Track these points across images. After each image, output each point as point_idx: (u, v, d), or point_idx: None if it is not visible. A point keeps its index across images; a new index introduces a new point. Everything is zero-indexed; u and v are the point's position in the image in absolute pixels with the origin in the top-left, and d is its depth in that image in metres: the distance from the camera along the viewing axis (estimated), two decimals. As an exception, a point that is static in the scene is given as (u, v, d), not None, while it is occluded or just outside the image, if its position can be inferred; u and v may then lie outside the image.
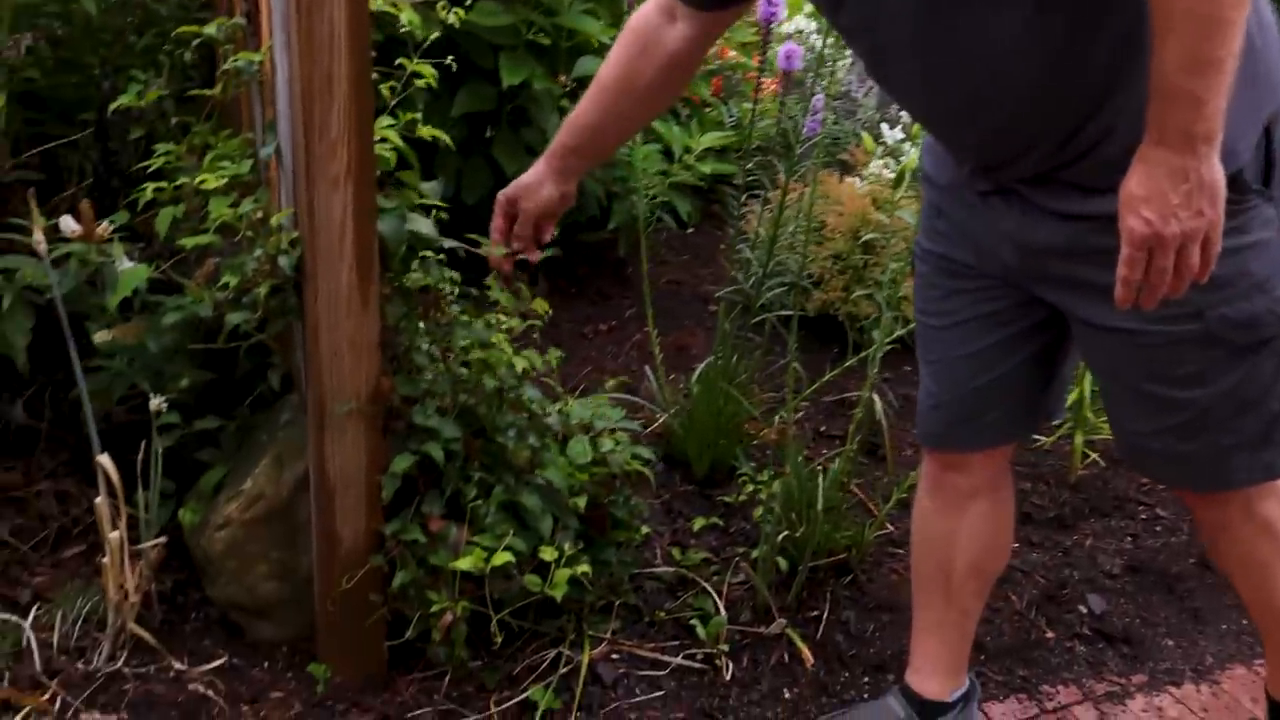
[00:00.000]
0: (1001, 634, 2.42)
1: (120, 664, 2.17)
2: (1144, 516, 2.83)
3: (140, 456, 2.14)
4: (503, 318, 2.61)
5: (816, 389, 2.93)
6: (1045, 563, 2.64)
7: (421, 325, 2.11)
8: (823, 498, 2.39)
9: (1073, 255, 1.60)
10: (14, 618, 2.22)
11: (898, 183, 2.55)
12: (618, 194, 3.59)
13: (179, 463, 2.35)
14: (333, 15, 1.76)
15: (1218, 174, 1.35)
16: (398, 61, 2.18)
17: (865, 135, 2.65)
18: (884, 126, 3.93)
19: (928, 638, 2.07)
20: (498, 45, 3.34)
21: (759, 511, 2.42)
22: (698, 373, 2.76)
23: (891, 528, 2.66)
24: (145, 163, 2.36)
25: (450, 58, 2.24)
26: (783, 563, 2.37)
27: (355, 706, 2.10)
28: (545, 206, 2.01)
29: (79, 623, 2.22)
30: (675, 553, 2.53)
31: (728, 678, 2.25)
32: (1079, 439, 2.84)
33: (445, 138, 2.25)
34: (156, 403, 2.05)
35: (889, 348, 2.65)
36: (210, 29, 2.26)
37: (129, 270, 2.20)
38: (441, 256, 2.18)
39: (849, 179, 3.60)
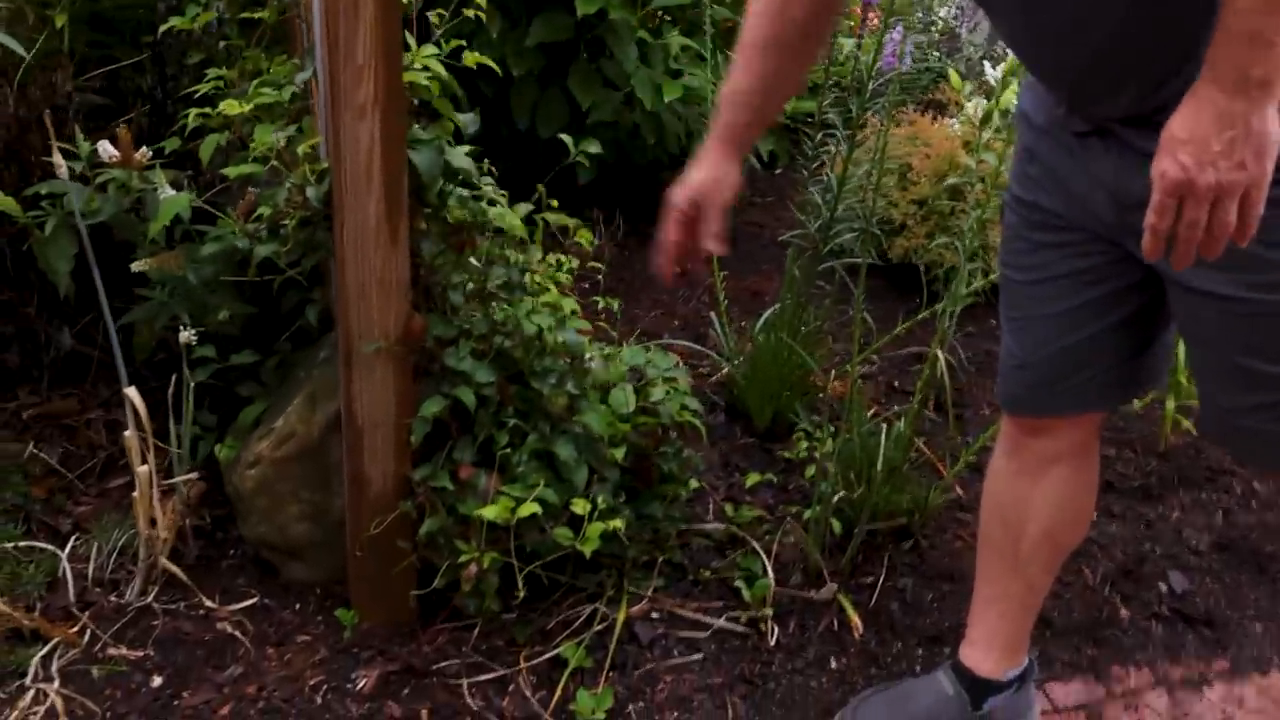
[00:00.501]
0: (1071, 610, 2.26)
1: (151, 599, 2.14)
2: (1238, 490, 2.63)
3: (171, 390, 2.10)
4: (563, 258, 2.52)
5: (891, 340, 2.77)
6: (1125, 535, 2.47)
7: (458, 262, 2.01)
8: (884, 458, 2.25)
9: None
10: (52, 547, 2.21)
11: (985, 122, 2.37)
12: (698, 131, 3.43)
13: (225, 397, 2.31)
14: (356, -70, 1.65)
15: (1271, 126, 1.18)
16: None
17: (953, 73, 2.46)
18: (986, 64, 3.71)
19: (988, 610, 1.93)
20: (574, -29, 3.22)
21: (810, 470, 2.29)
22: (761, 320, 2.62)
23: (960, 492, 2.51)
24: (195, 87, 2.30)
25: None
26: (837, 525, 2.24)
27: (381, 654, 2.04)
28: (732, 193, 1.73)
29: (114, 555, 2.21)
30: (728, 509, 2.42)
31: (771, 643, 2.14)
32: (1170, 405, 2.63)
33: (493, 64, 2.13)
34: (186, 335, 2.00)
35: (969, 301, 2.49)
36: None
37: (170, 199, 2.14)
38: (481, 191, 2.08)
39: (944, 119, 3.40)
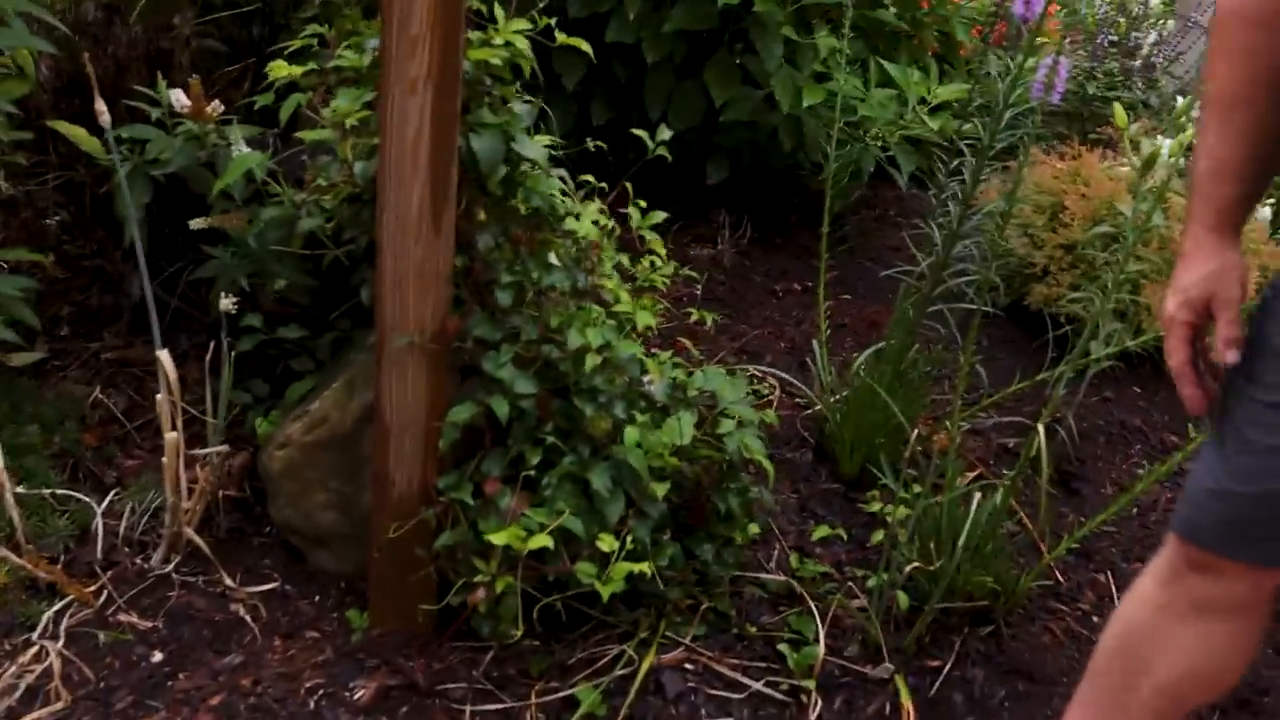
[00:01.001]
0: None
1: (171, 568, 2.07)
2: None
3: (209, 357, 2.01)
4: (657, 261, 2.35)
5: (1014, 395, 2.49)
6: None
7: (516, 260, 1.85)
8: (969, 530, 2.01)
9: None
10: (89, 499, 2.16)
11: (1145, 168, 2.09)
12: (841, 140, 3.20)
13: (284, 367, 2.23)
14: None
15: None
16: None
17: (1117, 108, 2.18)
18: (1178, 100, 3.35)
19: None
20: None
21: (877, 535, 2.06)
22: (860, 359, 2.39)
23: (1060, 578, 2.24)
24: (287, 42, 2.21)
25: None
26: (903, 598, 2.00)
27: (385, 665, 1.91)
28: (1243, 284, 1.41)
29: (146, 517, 2.14)
30: (793, 560, 2.21)
31: (812, 717, 1.92)
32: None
33: (584, 45, 1.97)
34: (225, 303, 1.90)
35: (1107, 364, 2.22)
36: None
37: (241, 156, 2.05)
38: (553, 183, 1.92)
39: (1116, 157, 3.08)
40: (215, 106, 2.02)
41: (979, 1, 3.56)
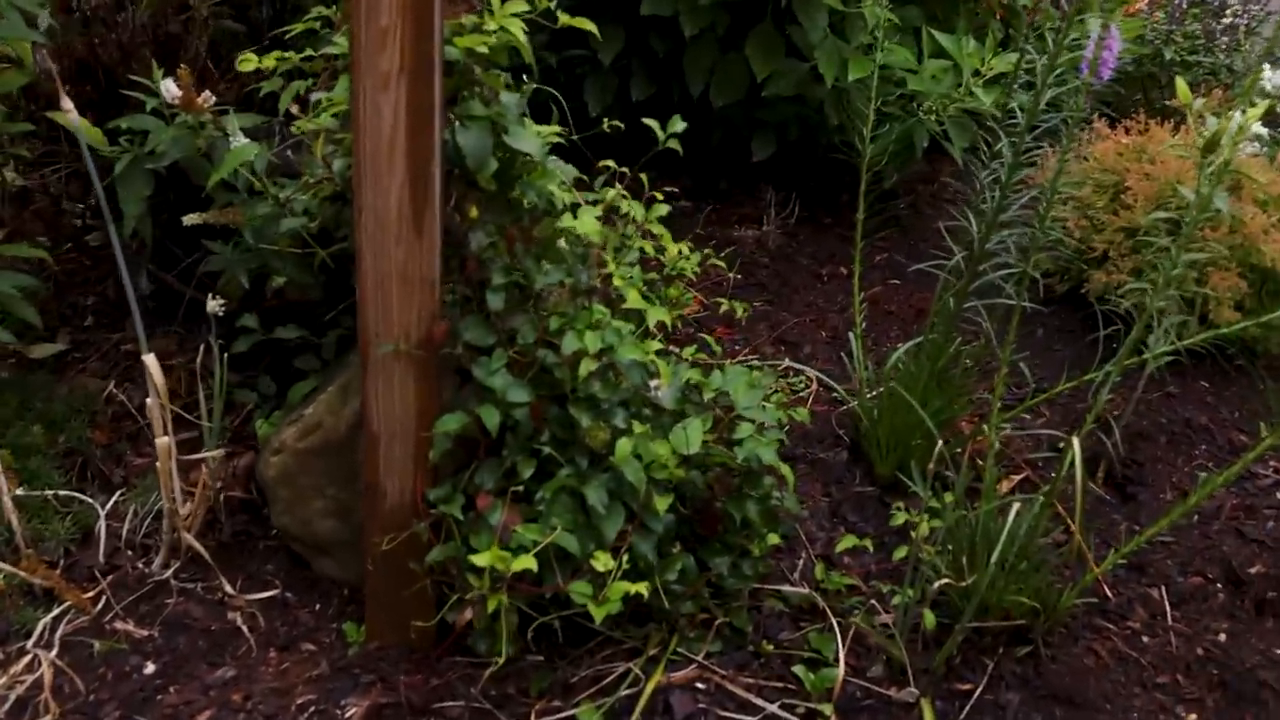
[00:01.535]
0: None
1: (170, 574, 2.02)
2: None
3: (206, 357, 1.94)
4: (684, 248, 2.23)
5: (1058, 393, 2.33)
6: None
7: (511, 259, 1.75)
8: (1004, 543, 1.86)
9: None
10: (92, 501, 2.11)
11: (1207, 149, 1.90)
12: (892, 114, 3.03)
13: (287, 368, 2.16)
14: None
15: None
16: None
17: (1180, 81, 1.99)
18: (1265, 68, 3.12)
19: None
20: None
21: (901, 551, 1.92)
22: (894, 355, 2.25)
23: (1109, 594, 2.08)
24: (286, 27, 2.12)
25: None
26: (929, 617, 1.87)
27: (381, 681, 1.84)
28: None
29: (148, 520, 2.09)
30: (818, 570, 2.08)
31: (829, 744, 1.81)
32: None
33: (590, 26, 1.84)
34: (213, 305, 1.83)
35: (1169, 359, 2.05)
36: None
37: (237, 148, 1.97)
38: (554, 175, 1.81)
39: (1186, 131, 2.86)
40: (206, 97, 1.94)
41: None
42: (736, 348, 2.63)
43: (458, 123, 1.64)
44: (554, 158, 1.97)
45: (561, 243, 1.79)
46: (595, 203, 1.98)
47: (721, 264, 2.33)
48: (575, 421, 1.73)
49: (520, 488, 1.70)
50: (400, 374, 1.69)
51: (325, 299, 2.06)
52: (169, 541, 2.01)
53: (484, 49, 1.66)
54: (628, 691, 1.82)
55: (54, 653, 1.87)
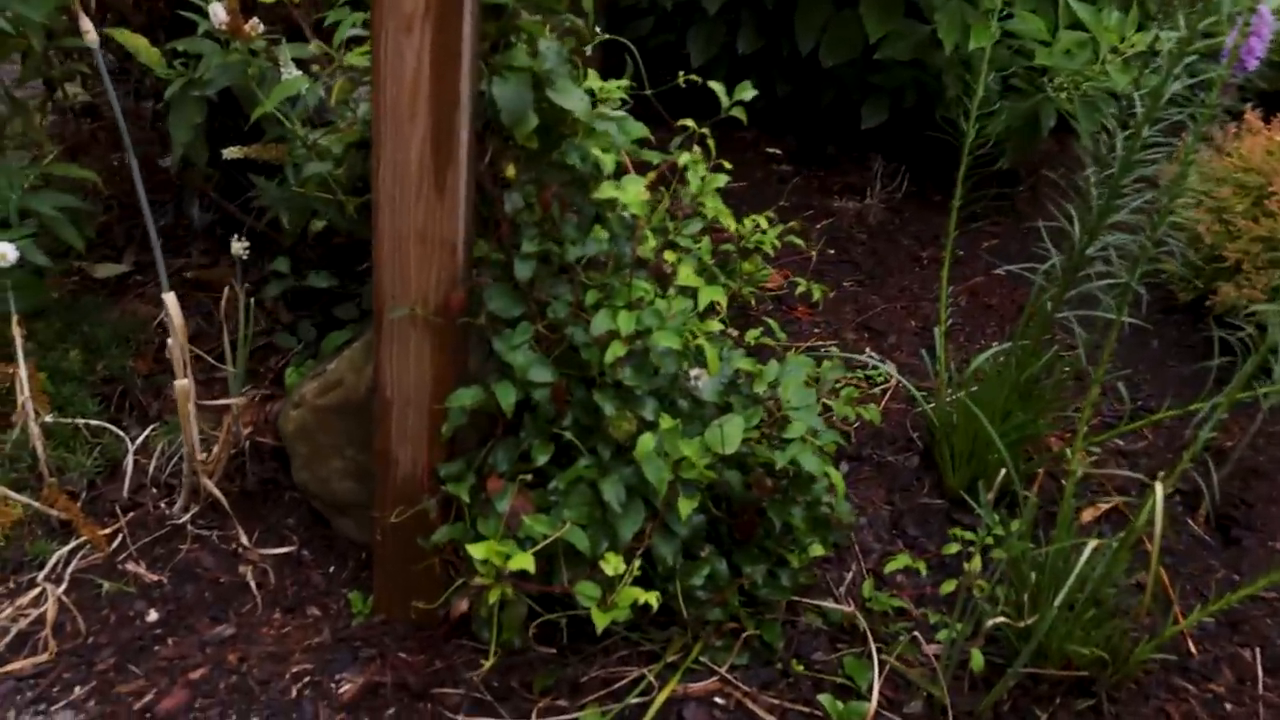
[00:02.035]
0: None
1: (189, 519, 1.95)
2: None
3: (224, 300, 1.85)
4: (764, 221, 2.06)
5: (1165, 416, 2.09)
6: None
7: (543, 224, 1.60)
8: (1072, 583, 1.66)
9: None
10: (121, 433, 2.06)
11: (1364, 159, 1.65)
12: (1015, 88, 2.78)
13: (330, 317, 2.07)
14: None
15: None
16: None
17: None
18: None
19: None
20: None
21: (948, 584, 1.74)
22: (977, 360, 2.04)
23: (1192, 649, 1.86)
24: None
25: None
26: (976, 658, 1.69)
27: (381, 657, 1.74)
28: None
29: (175, 459, 2.03)
30: (866, 587, 1.91)
31: (851, 784, 1.65)
32: None
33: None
34: (237, 247, 1.73)
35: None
36: None
37: (286, 80, 1.85)
38: (605, 138, 1.65)
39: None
40: (255, 24, 1.83)
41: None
42: (816, 330, 2.44)
43: (495, 74, 1.49)
44: (622, 114, 1.82)
45: (610, 211, 1.64)
46: (654, 167, 1.81)
47: (800, 242, 2.14)
48: (600, 408, 1.59)
49: (535, 474, 1.57)
50: (416, 340, 1.57)
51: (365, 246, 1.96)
52: (189, 485, 1.94)
53: (530, -10, 1.51)
54: (638, 700, 1.69)
55: (62, 588, 1.83)
